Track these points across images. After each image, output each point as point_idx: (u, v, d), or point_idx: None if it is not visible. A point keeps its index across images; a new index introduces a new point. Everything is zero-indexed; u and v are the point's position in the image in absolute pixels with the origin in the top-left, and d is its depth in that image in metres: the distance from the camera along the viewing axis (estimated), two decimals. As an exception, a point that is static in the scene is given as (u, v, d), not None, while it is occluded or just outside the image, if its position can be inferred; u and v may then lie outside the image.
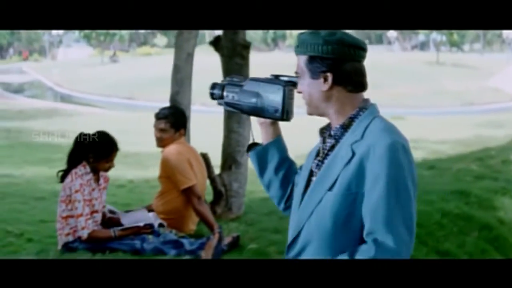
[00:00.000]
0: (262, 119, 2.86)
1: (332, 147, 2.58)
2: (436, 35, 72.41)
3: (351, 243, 2.44)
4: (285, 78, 2.78)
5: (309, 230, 2.53)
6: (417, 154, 15.35)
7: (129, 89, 47.33)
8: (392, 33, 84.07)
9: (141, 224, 6.29)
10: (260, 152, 2.89)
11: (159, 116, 6.54)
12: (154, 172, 12.84)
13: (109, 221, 6.47)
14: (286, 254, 2.64)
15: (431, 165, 11.06)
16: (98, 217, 6.30)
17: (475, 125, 25.97)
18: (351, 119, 2.56)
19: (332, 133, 2.59)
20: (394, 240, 2.33)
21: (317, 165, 2.64)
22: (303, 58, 2.59)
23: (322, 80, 2.54)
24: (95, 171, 6.27)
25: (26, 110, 35.87)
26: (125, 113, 33.12)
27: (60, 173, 6.27)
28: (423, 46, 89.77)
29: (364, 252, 2.38)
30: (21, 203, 11.59)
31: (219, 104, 2.94)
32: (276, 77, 2.82)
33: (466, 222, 7.74)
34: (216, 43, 7.60)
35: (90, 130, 6.29)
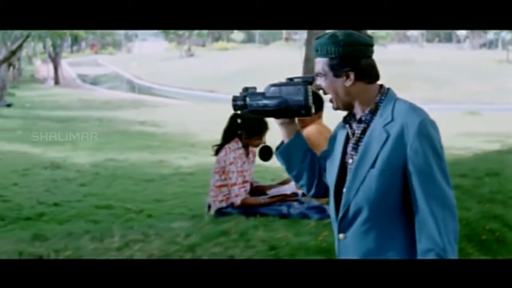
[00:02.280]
0: (280, 120, 3.06)
1: (364, 131, 2.83)
2: (505, 34, 71.70)
3: (394, 203, 2.75)
4: (300, 79, 2.99)
5: (357, 203, 2.79)
6: (494, 147, 16.18)
7: (210, 82, 47.68)
8: (461, 32, 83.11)
9: (288, 192, 6.99)
10: (285, 150, 3.12)
11: None
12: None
13: (256, 189, 7.16)
14: (338, 225, 2.89)
15: (517, 151, 12.05)
16: (248, 186, 7.00)
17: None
18: (377, 104, 2.82)
19: (363, 118, 2.83)
20: (446, 192, 2.70)
21: (353, 148, 2.86)
22: (324, 60, 2.83)
23: (344, 78, 2.80)
24: (246, 147, 6.98)
25: (112, 100, 36.95)
26: (209, 104, 33.56)
27: (215, 147, 7.02)
28: (490, 45, 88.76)
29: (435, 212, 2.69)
30: (133, 184, 12.70)
31: (243, 113, 3.09)
32: (291, 79, 3.01)
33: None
34: None
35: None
